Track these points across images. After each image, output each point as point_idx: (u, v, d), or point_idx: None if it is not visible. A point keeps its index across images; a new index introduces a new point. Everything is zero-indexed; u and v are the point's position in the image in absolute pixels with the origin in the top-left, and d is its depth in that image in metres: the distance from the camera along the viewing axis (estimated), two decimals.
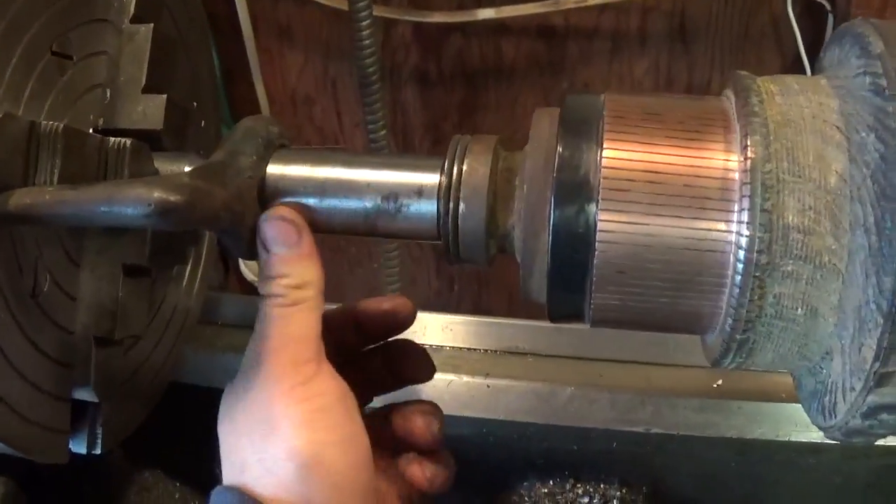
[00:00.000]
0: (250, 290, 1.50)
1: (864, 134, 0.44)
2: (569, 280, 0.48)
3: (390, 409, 0.66)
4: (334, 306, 0.65)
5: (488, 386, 0.86)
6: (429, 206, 0.53)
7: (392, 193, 0.53)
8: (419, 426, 0.63)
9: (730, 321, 0.46)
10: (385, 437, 0.65)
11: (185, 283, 0.77)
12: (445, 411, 0.65)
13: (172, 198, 0.49)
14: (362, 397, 0.65)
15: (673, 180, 0.46)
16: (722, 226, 0.46)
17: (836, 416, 0.47)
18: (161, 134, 0.62)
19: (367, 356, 0.66)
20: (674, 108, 0.49)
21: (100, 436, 0.64)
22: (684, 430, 0.84)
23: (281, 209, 0.54)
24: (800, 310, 0.46)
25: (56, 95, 0.59)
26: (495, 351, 0.93)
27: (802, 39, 1.21)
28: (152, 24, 0.64)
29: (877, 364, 0.42)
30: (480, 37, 1.34)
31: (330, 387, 0.53)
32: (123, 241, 0.61)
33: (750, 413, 0.84)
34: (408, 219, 0.53)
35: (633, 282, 0.47)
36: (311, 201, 0.54)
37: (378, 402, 0.67)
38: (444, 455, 0.65)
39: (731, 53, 1.30)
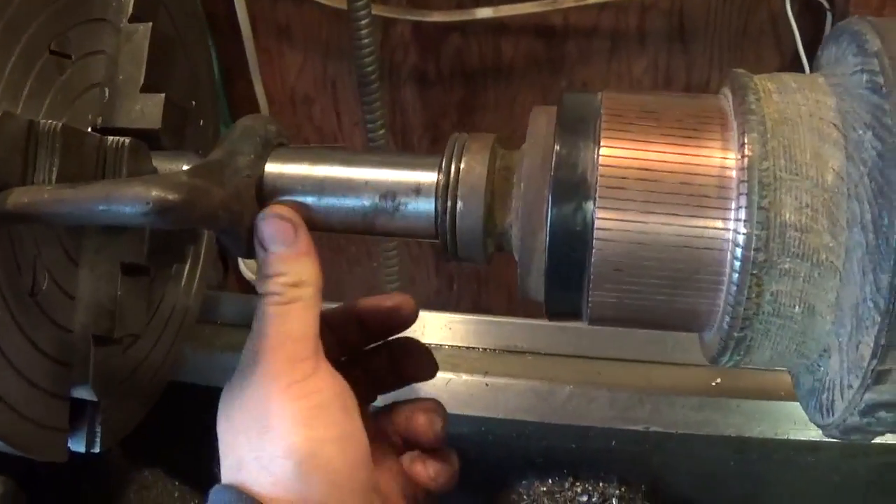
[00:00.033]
0: (249, 289, 1.49)
1: (861, 131, 0.44)
2: (566, 278, 0.49)
3: (393, 407, 0.66)
4: (334, 305, 0.65)
5: (487, 384, 0.86)
6: (426, 205, 0.53)
7: (390, 192, 0.53)
8: (421, 424, 0.64)
9: (727, 319, 0.46)
10: (389, 436, 0.65)
11: (183, 282, 0.77)
12: None
13: (170, 196, 0.49)
14: (366, 396, 0.65)
15: (670, 178, 0.46)
16: (719, 223, 0.46)
17: (833, 414, 0.47)
18: (159, 133, 0.62)
19: (370, 354, 0.66)
20: (671, 106, 0.49)
21: (99, 434, 0.64)
22: (683, 428, 0.85)
23: (277, 207, 0.54)
24: (797, 307, 0.46)
25: (55, 94, 0.59)
26: (494, 349, 0.93)
27: (801, 38, 1.21)
28: (150, 24, 0.64)
29: (874, 361, 0.42)
30: (479, 36, 1.34)
31: (327, 384, 0.53)
32: (122, 240, 0.61)
33: (749, 411, 0.84)
34: (406, 217, 0.53)
35: (630, 279, 0.47)
36: (309, 200, 0.55)
37: (382, 400, 0.67)
38: (448, 453, 0.65)
39: (729, 52, 1.30)
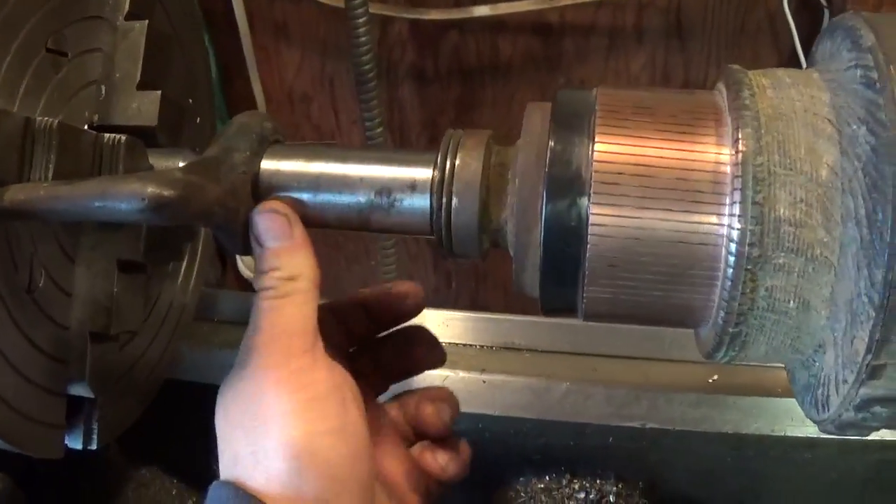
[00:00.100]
0: (248, 287, 1.50)
1: (855, 126, 0.44)
2: (561, 274, 0.49)
3: (402, 397, 0.66)
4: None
5: (484, 381, 0.87)
6: (422, 201, 0.53)
7: (385, 188, 0.53)
8: (429, 413, 0.63)
9: (722, 314, 0.46)
10: (398, 426, 0.65)
11: (180, 280, 0.77)
12: None
13: (166, 193, 0.49)
14: (375, 386, 0.65)
15: (664, 174, 0.46)
16: (713, 219, 0.46)
17: (829, 409, 0.47)
18: (156, 130, 0.62)
19: (379, 344, 0.65)
20: (666, 101, 0.49)
21: (95, 431, 0.64)
22: (680, 425, 0.85)
23: (272, 203, 0.54)
24: (792, 303, 0.46)
25: (51, 92, 0.59)
26: (491, 347, 0.93)
27: (798, 35, 1.22)
28: (147, 21, 0.64)
29: (869, 356, 0.42)
30: (477, 34, 1.34)
31: (324, 377, 0.52)
32: (118, 237, 0.61)
33: (746, 408, 0.85)
34: (401, 213, 0.53)
35: (625, 275, 0.47)
36: (304, 196, 0.55)
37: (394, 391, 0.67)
38: (458, 442, 0.65)
39: (727, 49, 1.30)
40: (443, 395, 0.65)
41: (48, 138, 0.54)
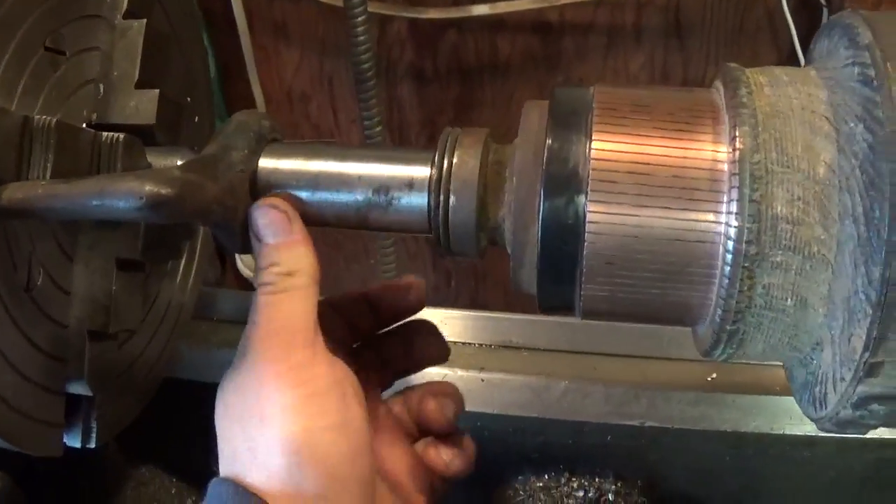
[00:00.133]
0: (247, 286, 1.50)
1: (852, 124, 0.44)
2: (558, 271, 0.49)
3: (406, 392, 0.65)
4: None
5: (483, 380, 0.87)
6: (419, 199, 0.53)
7: (383, 186, 0.53)
8: (432, 409, 0.63)
9: (719, 312, 0.46)
10: (402, 422, 0.64)
11: (179, 279, 0.77)
12: None
13: (164, 191, 0.49)
14: (380, 382, 0.65)
15: (662, 171, 0.46)
16: (711, 217, 0.46)
17: (826, 407, 0.47)
18: (154, 129, 0.62)
19: (383, 339, 0.65)
20: (663, 99, 0.49)
21: (94, 430, 0.64)
22: (679, 423, 0.85)
23: (271, 198, 0.54)
24: (789, 300, 0.46)
25: (49, 91, 0.59)
26: (490, 345, 0.93)
27: (797, 33, 1.22)
28: (145, 20, 0.64)
29: (866, 354, 0.42)
30: (476, 33, 1.34)
31: (324, 372, 0.52)
32: (117, 236, 0.61)
33: (744, 406, 0.85)
34: (399, 212, 0.53)
35: (622, 273, 0.47)
36: (303, 195, 0.55)
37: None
38: (462, 437, 0.65)
39: (725, 48, 1.30)
40: (446, 391, 0.64)
41: (46, 137, 0.54)
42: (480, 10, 1.27)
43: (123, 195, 0.49)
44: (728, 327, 0.47)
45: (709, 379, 0.87)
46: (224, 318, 0.98)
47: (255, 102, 1.42)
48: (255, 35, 1.38)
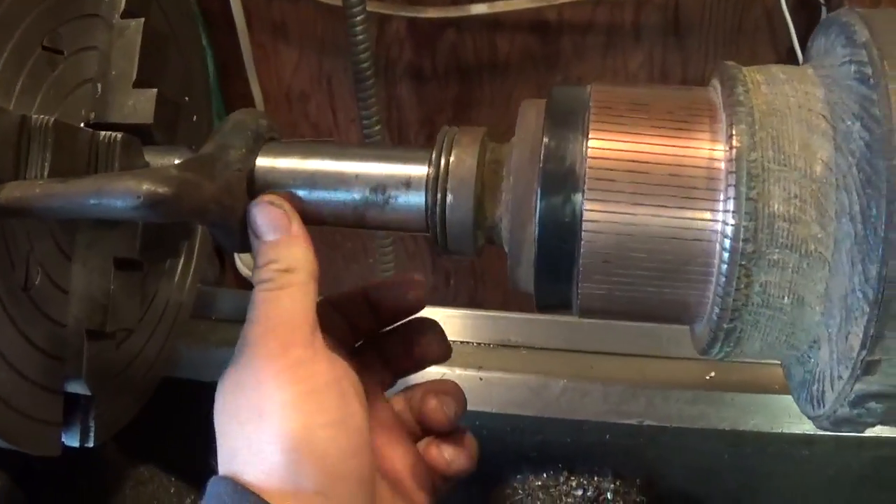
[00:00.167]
0: (246, 285, 1.50)
1: (849, 122, 0.44)
2: (556, 270, 0.49)
3: (407, 390, 0.65)
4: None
5: (481, 379, 0.87)
6: (417, 198, 0.53)
7: (380, 185, 0.53)
8: (432, 408, 0.63)
9: (716, 310, 0.46)
10: (405, 421, 0.64)
11: (177, 278, 0.77)
12: None
13: (161, 190, 0.49)
14: (383, 380, 0.65)
15: (658, 170, 0.46)
16: (707, 215, 0.46)
17: (824, 405, 0.47)
18: (152, 128, 0.62)
19: (385, 338, 0.65)
20: (660, 98, 0.49)
21: (92, 429, 0.64)
22: (677, 422, 0.85)
23: (269, 195, 0.54)
24: (786, 298, 0.46)
25: (47, 90, 0.59)
26: (488, 344, 0.93)
27: (796, 32, 1.22)
28: (143, 19, 0.64)
29: (863, 352, 0.42)
30: (474, 32, 1.34)
31: (323, 369, 0.52)
32: (115, 235, 0.61)
33: (743, 405, 0.85)
34: (396, 210, 0.53)
35: (619, 271, 0.47)
36: (300, 193, 0.55)
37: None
38: (464, 436, 0.64)
39: (724, 47, 1.30)
40: (447, 389, 0.64)
41: (44, 136, 0.54)
42: (479, 9, 1.27)
43: (120, 194, 0.49)
44: (725, 325, 0.47)
45: (707, 377, 0.87)
46: (223, 318, 0.98)
47: (254, 102, 1.42)
48: (253, 34, 1.38)
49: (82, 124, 0.61)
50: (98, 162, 0.58)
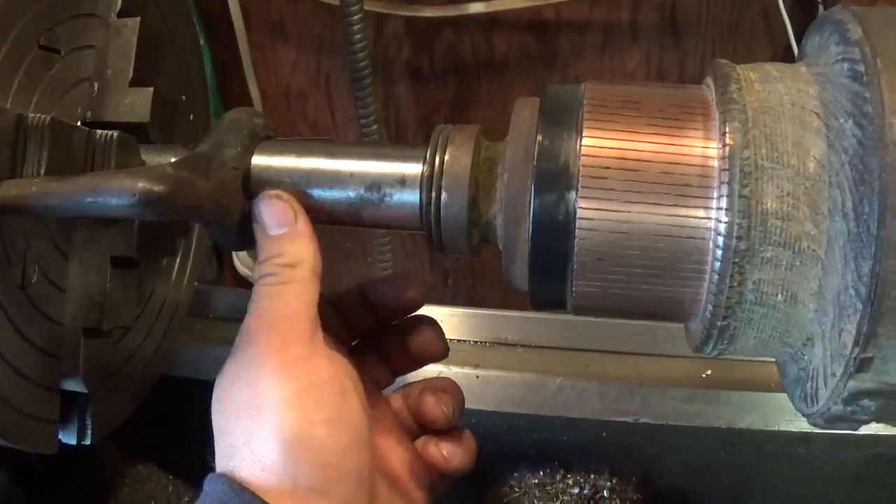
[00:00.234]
0: (244, 284, 1.50)
1: (842, 120, 0.44)
2: (550, 267, 0.49)
3: (405, 388, 0.65)
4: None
5: (478, 377, 0.87)
6: (411, 196, 0.53)
7: (375, 183, 0.53)
8: (431, 405, 0.63)
9: (710, 308, 0.47)
10: (403, 418, 0.64)
11: (174, 276, 0.77)
12: None
13: (156, 188, 0.49)
14: (381, 378, 0.65)
15: (652, 168, 0.46)
16: (701, 213, 0.46)
17: (817, 403, 0.47)
18: (148, 127, 0.62)
19: (383, 336, 0.65)
20: (654, 96, 0.49)
21: (89, 427, 0.64)
22: (673, 419, 0.85)
23: (276, 191, 0.54)
24: (780, 296, 0.46)
25: (44, 89, 0.59)
26: (485, 342, 0.93)
27: (793, 31, 1.22)
28: (139, 18, 0.64)
29: (857, 349, 0.42)
30: (472, 31, 1.34)
31: (322, 365, 0.52)
32: (111, 233, 0.61)
33: (739, 402, 0.85)
34: (391, 208, 0.54)
35: (613, 269, 0.47)
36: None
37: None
38: (462, 433, 0.64)
39: (722, 46, 1.30)
40: (444, 386, 0.64)
41: (40, 135, 0.55)
42: (476, 7, 1.27)
43: (116, 192, 0.50)
44: (719, 323, 0.47)
45: (703, 375, 0.87)
46: (220, 316, 0.98)
47: (252, 101, 1.42)
48: (251, 33, 1.38)
49: (79, 123, 0.61)
50: (95, 160, 0.58)
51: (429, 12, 1.29)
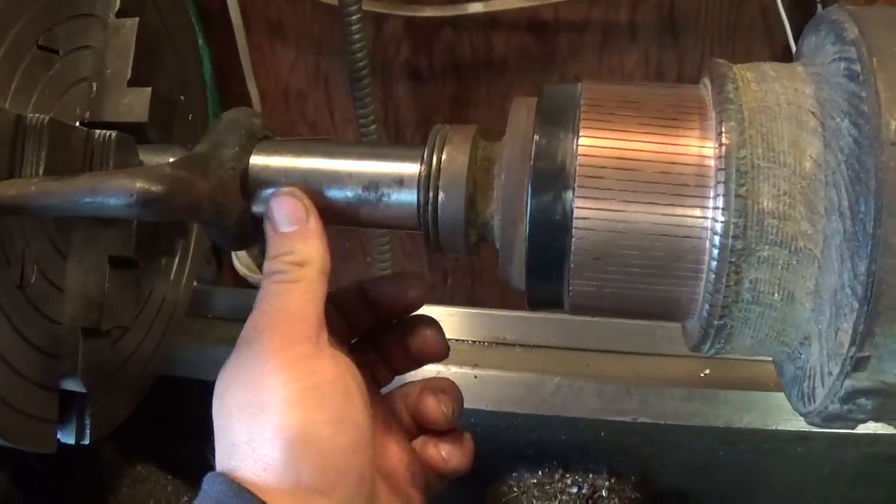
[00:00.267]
0: (243, 284, 1.50)
1: (838, 119, 0.44)
2: (547, 267, 0.49)
3: (404, 387, 0.65)
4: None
5: (476, 377, 0.87)
6: (409, 196, 0.53)
7: (373, 183, 0.54)
8: (431, 406, 0.63)
9: (707, 307, 0.47)
10: (400, 418, 0.64)
11: (173, 276, 0.78)
12: None
13: (154, 188, 0.49)
14: (380, 377, 0.65)
15: (648, 167, 0.47)
16: (697, 212, 0.46)
17: (815, 402, 0.47)
18: (146, 127, 0.62)
19: (383, 334, 0.65)
20: (651, 96, 0.50)
21: (88, 426, 0.64)
22: (672, 419, 0.85)
23: (290, 188, 0.54)
24: (776, 295, 0.46)
25: (42, 89, 0.59)
26: (483, 342, 0.93)
27: (791, 31, 1.22)
28: (137, 18, 0.64)
29: (853, 348, 0.42)
30: (471, 31, 1.34)
31: (326, 366, 0.52)
32: (110, 233, 0.61)
33: (737, 402, 0.85)
34: (389, 208, 0.54)
35: (610, 268, 0.47)
36: None
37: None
38: (461, 434, 0.64)
39: (720, 45, 1.30)
40: (444, 387, 0.64)
41: (39, 135, 0.55)
42: (475, 7, 1.27)
43: (114, 192, 0.50)
44: (715, 322, 0.47)
45: (702, 375, 0.88)
46: (219, 316, 0.98)
47: (251, 101, 1.42)
48: (250, 34, 1.38)
49: (77, 123, 0.62)
50: (93, 160, 0.58)
51: (428, 12, 1.29)
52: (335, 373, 0.52)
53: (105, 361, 0.64)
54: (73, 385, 0.62)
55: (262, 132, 0.57)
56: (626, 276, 0.48)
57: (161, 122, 0.64)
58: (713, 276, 0.46)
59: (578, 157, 0.47)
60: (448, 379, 0.65)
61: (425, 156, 0.53)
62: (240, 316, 0.54)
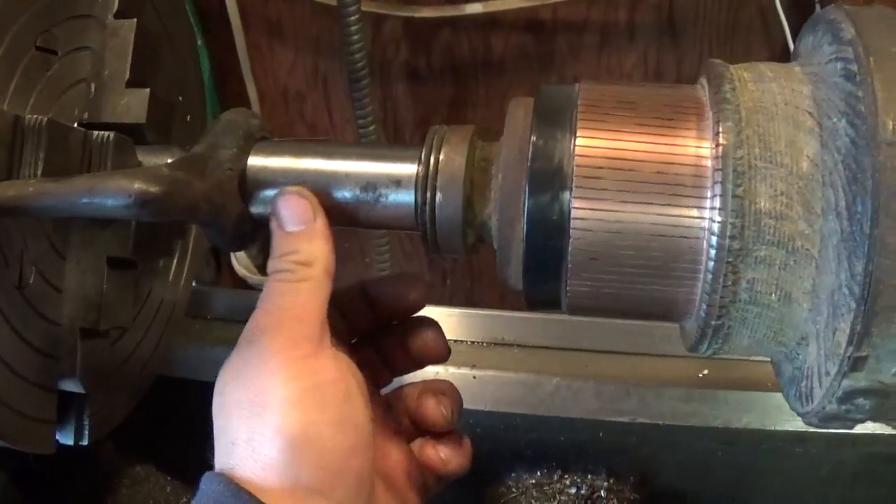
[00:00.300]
0: (242, 285, 1.50)
1: (835, 119, 0.44)
2: (544, 267, 0.49)
3: (403, 389, 0.65)
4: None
5: (475, 377, 0.87)
6: (407, 197, 0.53)
7: (370, 184, 0.54)
8: (430, 408, 0.63)
9: (704, 307, 0.47)
10: (399, 419, 0.64)
11: (171, 277, 0.77)
12: None
13: (152, 189, 0.49)
14: (379, 378, 0.64)
15: (645, 168, 0.47)
16: (694, 212, 0.46)
17: (812, 402, 0.47)
18: (144, 127, 0.62)
19: (383, 335, 0.65)
20: (647, 96, 0.50)
21: (87, 427, 0.64)
22: (670, 419, 0.85)
23: (297, 187, 0.54)
24: (774, 295, 0.46)
25: (41, 90, 0.59)
26: (482, 342, 0.93)
27: (790, 31, 1.22)
28: (136, 19, 0.64)
29: (850, 348, 0.42)
30: (469, 31, 1.34)
31: (329, 367, 0.52)
32: (108, 234, 0.61)
33: (736, 402, 0.85)
34: (387, 209, 0.54)
35: (607, 269, 0.47)
36: None
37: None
38: (461, 436, 0.64)
39: (719, 46, 1.30)
40: (443, 389, 0.64)
41: (37, 136, 0.55)
42: (474, 8, 1.27)
43: (112, 193, 0.50)
44: (713, 322, 0.47)
45: (700, 375, 0.88)
46: (218, 317, 0.98)
47: (250, 102, 1.42)
48: (249, 34, 1.38)
49: (75, 124, 0.61)
50: (91, 161, 0.58)
51: (426, 13, 1.29)
52: (336, 373, 0.52)
53: (104, 362, 0.64)
54: (71, 386, 0.62)
55: (259, 133, 0.57)
56: (623, 276, 0.48)
57: (159, 122, 0.64)
58: (710, 276, 0.46)
59: (575, 158, 0.47)
60: (448, 381, 0.65)
61: (423, 156, 0.53)
62: (239, 317, 0.54)
